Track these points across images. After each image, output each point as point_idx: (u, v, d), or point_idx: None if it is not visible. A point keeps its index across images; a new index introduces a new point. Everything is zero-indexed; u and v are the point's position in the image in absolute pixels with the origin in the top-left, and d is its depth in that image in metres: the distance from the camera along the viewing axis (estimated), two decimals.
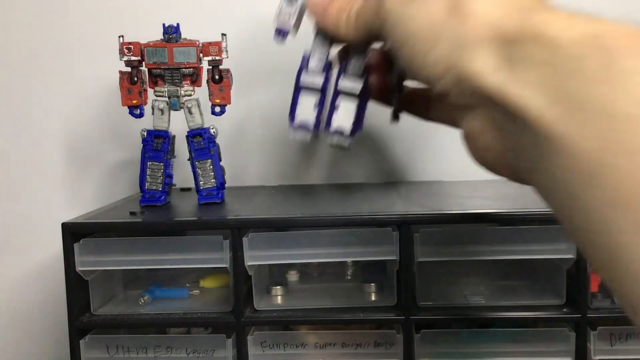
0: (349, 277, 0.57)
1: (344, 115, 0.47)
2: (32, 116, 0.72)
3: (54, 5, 0.71)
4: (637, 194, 0.23)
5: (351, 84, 0.47)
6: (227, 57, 0.55)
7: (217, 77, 0.55)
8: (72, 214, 0.53)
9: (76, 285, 0.49)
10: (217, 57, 0.55)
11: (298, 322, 0.50)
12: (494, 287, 0.53)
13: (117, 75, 0.55)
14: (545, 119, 0.26)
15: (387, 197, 0.58)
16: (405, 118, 0.61)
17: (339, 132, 0.47)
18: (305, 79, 0.47)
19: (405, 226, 0.47)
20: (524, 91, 0.27)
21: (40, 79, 0.71)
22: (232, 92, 0.56)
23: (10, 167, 0.73)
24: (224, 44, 0.55)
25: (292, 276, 0.56)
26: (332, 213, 0.50)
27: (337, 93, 0.47)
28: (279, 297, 0.52)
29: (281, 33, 0.48)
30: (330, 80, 0.48)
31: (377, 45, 0.46)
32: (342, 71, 0.47)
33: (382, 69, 0.47)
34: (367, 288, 0.52)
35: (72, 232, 0.49)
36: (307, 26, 0.47)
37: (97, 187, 0.72)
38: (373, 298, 0.52)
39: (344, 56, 0.48)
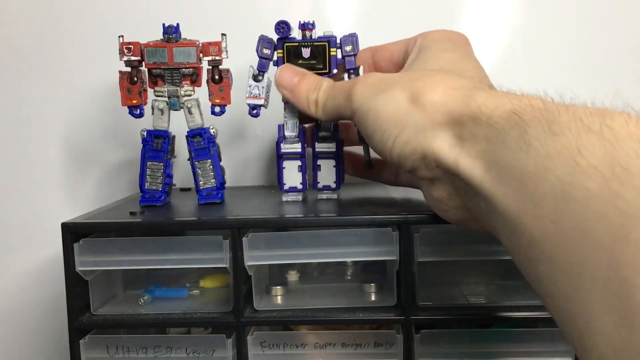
0: (349, 277, 0.57)
1: (327, 173, 0.54)
2: (32, 116, 0.72)
3: (53, 4, 0.71)
4: (545, 234, 0.28)
5: (326, 145, 0.54)
6: (227, 57, 0.55)
7: (217, 77, 0.55)
8: (72, 214, 0.53)
9: (76, 285, 0.49)
10: (217, 57, 0.55)
11: (298, 322, 0.50)
12: (494, 287, 0.53)
13: (117, 75, 0.55)
14: (484, 183, 0.32)
15: (387, 197, 0.58)
16: None
17: (326, 188, 0.55)
18: (285, 147, 0.54)
19: (405, 226, 0.47)
20: (470, 163, 0.33)
21: (40, 78, 0.71)
22: (232, 92, 0.56)
23: (10, 167, 0.73)
24: (224, 44, 0.55)
25: (292, 276, 0.56)
26: (332, 213, 0.50)
27: (316, 155, 0.55)
28: (279, 297, 0.52)
29: (255, 108, 0.54)
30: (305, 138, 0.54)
31: None
32: (315, 135, 0.53)
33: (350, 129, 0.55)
34: (367, 288, 0.52)
35: (72, 232, 0.49)
36: None
37: (97, 187, 0.72)
38: (373, 298, 0.52)
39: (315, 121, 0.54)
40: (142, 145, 0.56)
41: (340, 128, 0.55)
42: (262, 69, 0.54)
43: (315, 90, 0.48)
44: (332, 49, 0.53)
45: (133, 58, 0.54)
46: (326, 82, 0.49)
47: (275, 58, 0.54)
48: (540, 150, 0.29)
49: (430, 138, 0.36)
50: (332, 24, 0.68)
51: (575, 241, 0.26)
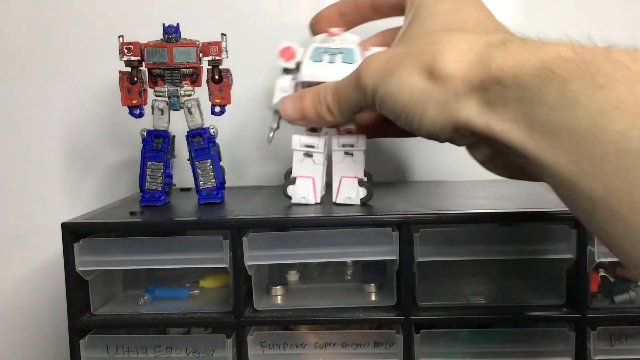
0: (349, 277, 0.57)
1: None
2: (32, 116, 0.72)
3: (54, 5, 0.71)
4: (611, 193, 0.27)
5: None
6: (227, 57, 0.55)
7: (217, 77, 0.55)
8: (72, 214, 0.53)
9: (76, 285, 0.49)
10: (217, 57, 0.55)
11: (298, 322, 0.50)
12: (494, 287, 0.53)
13: (117, 75, 0.55)
14: (528, 146, 0.31)
15: (387, 197, 0.57)
16: None
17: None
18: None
19: (405, 226, 0.47)
20: (505, 126, 0.32)
21: (40, 78, 0.71)
22: (232, 92, 0.56)
23: (10, 167, 0.73)
24: (224, 44, 0.55)
25: (292, 276, 0.56)
26: (332, 213, 0.50)
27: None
28: (279, 297, 0.52)
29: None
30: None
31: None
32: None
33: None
34: (367, 288, 0.52)
35: (72, 232, 0.49)
36: None
37: (97, 187, 0.72)
38: (373, 298, 0.52)
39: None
40: (142, 145, 0.56)
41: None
42: None
43: (322, 102, 0.46)
44: None
45: (133, 58, 0.54)
46: (327, 87, 0.46)
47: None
48: (591, 107, 0.28)
49: (455, 110, 0.34)
50: None
51: None
